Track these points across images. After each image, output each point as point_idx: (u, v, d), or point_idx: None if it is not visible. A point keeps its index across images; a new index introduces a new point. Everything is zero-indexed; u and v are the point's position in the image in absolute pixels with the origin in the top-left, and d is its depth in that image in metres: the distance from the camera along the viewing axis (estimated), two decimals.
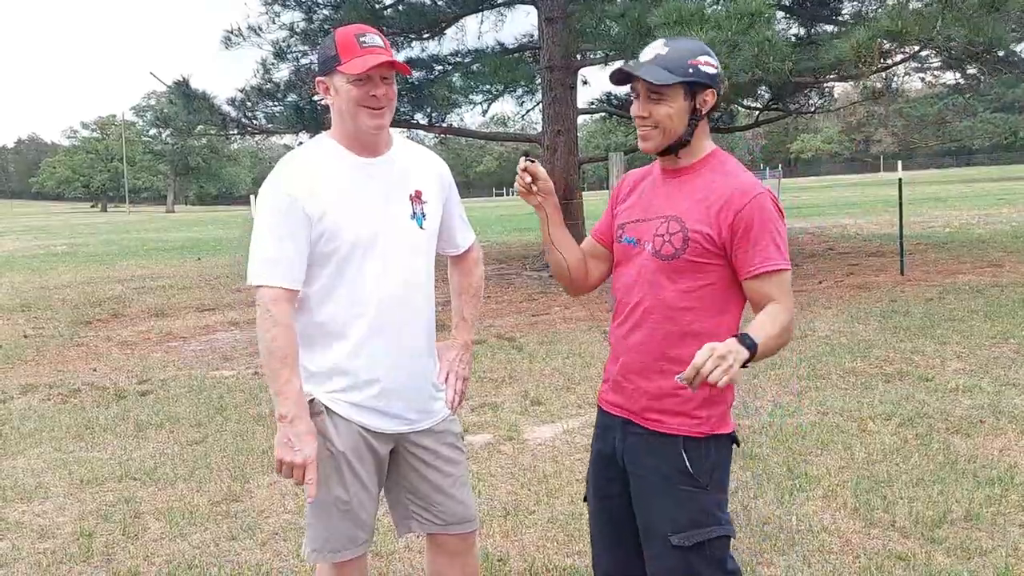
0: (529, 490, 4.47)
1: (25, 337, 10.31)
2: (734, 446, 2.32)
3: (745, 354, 1.99)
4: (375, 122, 2.38)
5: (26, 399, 7.11)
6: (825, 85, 14.49)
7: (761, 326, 2.10)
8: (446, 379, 2.61)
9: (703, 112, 2.22)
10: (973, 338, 7.39)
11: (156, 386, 7.37)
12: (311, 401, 2.41)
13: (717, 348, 1.95)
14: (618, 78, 2.26)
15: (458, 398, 2.63)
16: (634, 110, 2.25)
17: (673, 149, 2.25)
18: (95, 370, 8.24)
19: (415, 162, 2.55)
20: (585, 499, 2.53)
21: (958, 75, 17.78)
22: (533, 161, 2.36)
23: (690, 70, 2.17)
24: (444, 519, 2.59)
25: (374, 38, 2.37)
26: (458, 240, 2.69)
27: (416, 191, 2.49)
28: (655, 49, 2.21)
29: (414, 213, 2.48)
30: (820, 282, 11.45)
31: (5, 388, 7.53)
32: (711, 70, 2.20)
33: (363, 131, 2.39)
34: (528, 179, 2.35)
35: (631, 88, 2.26)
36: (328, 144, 2.46)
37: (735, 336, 2.02)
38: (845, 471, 4.45)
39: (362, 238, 2.38)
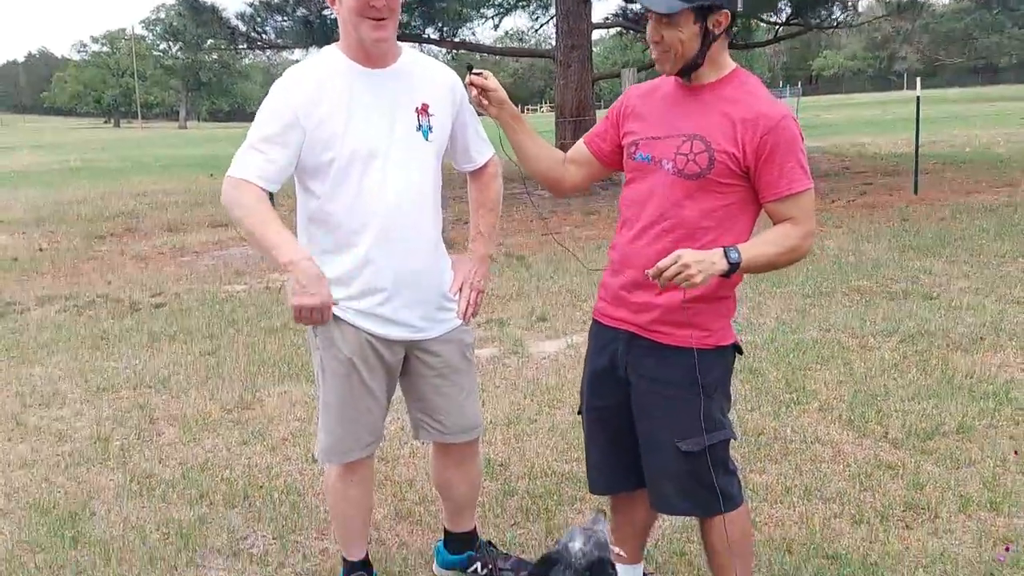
0: (531, 401, 4.58)
1: (40, 250, 10.45)
2: (737, 355, 2.39)
3: (723, 266, 2.06)
4: (377, 34, 2.37)
5: (42, 310, 7.26)
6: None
7: (761, 243, 2.17)
8: (459, 289, 2.66)
9: (716, 33, 2.19)
10: (982, 257, 7.39)
11: (169, 299, 7.50)
12: None
13: (684, 256, 2.04)
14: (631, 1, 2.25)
15: (471, 309, 2.68)
16: (647, 34, 2.25)
17: (686, 72, 2.24)
18: (109, 283, 8.38)
19: (424, 75, 2.54)
20: (579, 412, 2.60)
21: None
22: (479, 73, 2.37)
23: None
24: (450, 428, 2.68)
25: None
26: (474, 155, 2.70)
27: (423, 104, 2.49)
28: None
29: (420, 125, 2.48)
30: (833, 201, 11.39)
31: (22, 299, 7.68)
32: None
33: (366, 42, 2.39)
34: (476, 92, 2.36)
35: (646, 11, 2.23)
36: (334, 55, 2.47)
37: (723, 248, 2.07)
38: (843, 386, 4.52)
39: (362, 149, 2.40)
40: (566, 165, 2.52)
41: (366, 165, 2.41)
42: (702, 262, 2.06)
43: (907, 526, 3.12)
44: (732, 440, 2.40)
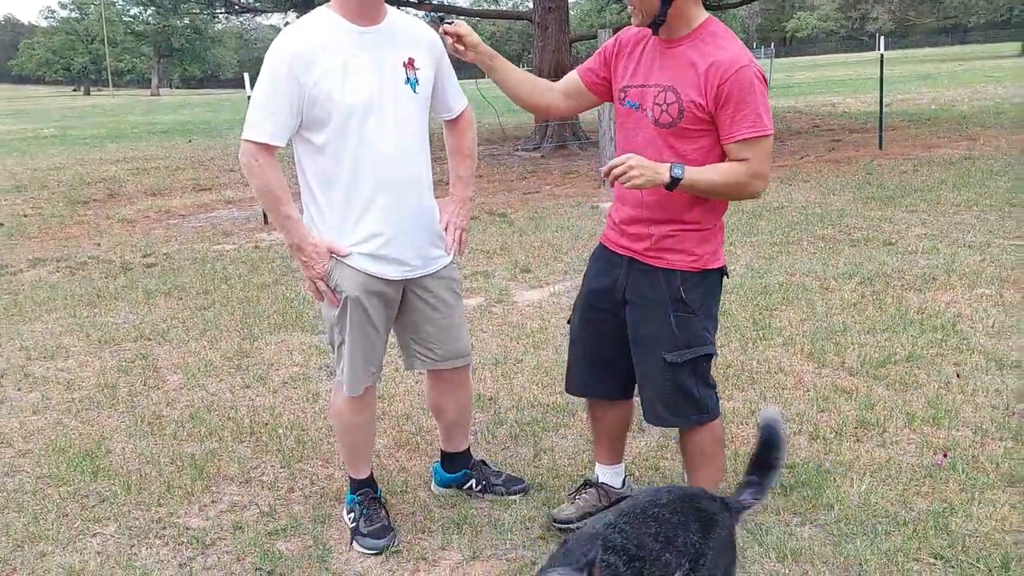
0: (517, 343, 4.88)
1: (25, 216, 10.57)
2: (724, 278, 2.68)
3: (665, 177, 2.37)
4: None
5: (35, 271, 7.45)
6: None
7: (709, 169, 2.44)
8: (445, 228, 2.94)
9: None
10: (939, 207, 7.76)
11: (160, 259, 7.70)
12: None
13: (632, 159, 2.36)
14: None
15: (456, 246, 2.97)
16: None
17: (653, 26, 2.48)
18: (99, 245, 8.56)
19: (408, 32, 2.77)
20: (569, 321, 2.90)
21: None
22: (451, 22, 2.63)
23: None
24: (442, 355, 2.96)
25: None
26: (451, 104, 2.95)
27: (410, 58, 2.73)
28: None
29: (408, 79, 2.72)
30: (801, 157, 11.71)
31: (13, 262, 7.85)
32: None
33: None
34: (451, 40, 2.62)
35: None
36: (328, 15, 2.67)
37: (671, 163, 2.39)
38: (805, 323, 4.85)
39: (359, 103, 2.62)
40: (555, 92, 2.78)
41: (363, 118, 2.63)
42: (647, 168, 2.36)
43: (858, 440, 3.45)
44: (714, 357, 2.68)
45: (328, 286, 2.74)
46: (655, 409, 2.67)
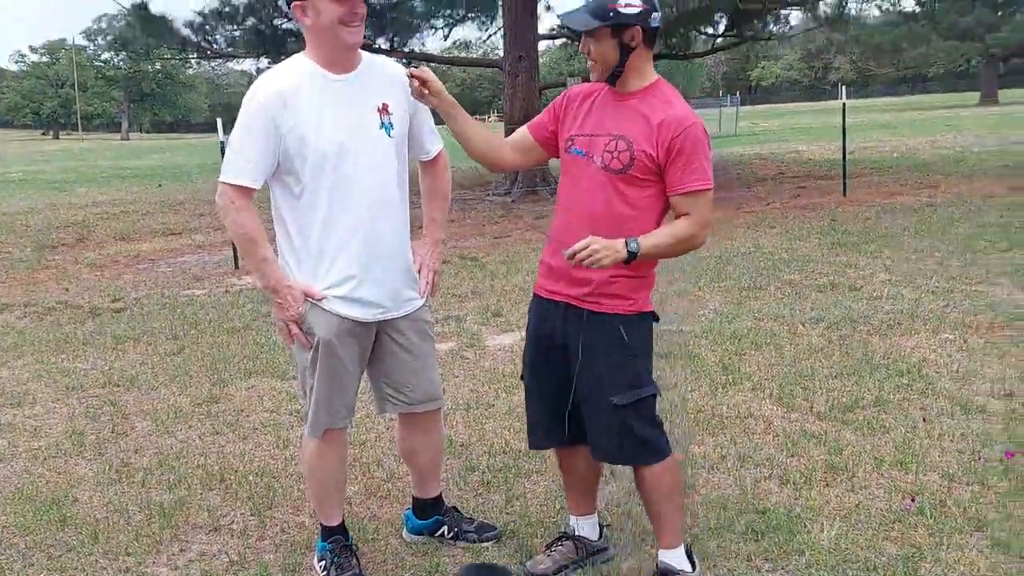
0: (489, 388, 4.89)
1: None
2: (655, 322, 2.75)
3: (623, 255, 2.46)
4: (354, 39, 2.68)
5: (2, 317, 7.35)
6: (780, 12, 14.73)
7: (656, 235, 2.54)
8: (419, 271, 2.97)
9: (632, 46, 2.54)
10: (902, 252, 7.93)
11: (130, 304, 7.64)
12: None
13: (595, 242, 2.42)
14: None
15: (429, 288, 3.00)
16: (580, 47, 2.62)
17: (612, 79, 2.61)
18: (67, 290, 8.48)
19: (382, 77, 2.83)
20: (522, 377, 2.93)
21: (913, 2, 18.06)
22: (417, 66, 2.72)
23: (611, 14, 2.48)
24: (414, 398, 2.97)
25: None
26: (427, 146, 3.01)
27: (383, 104, 2.79)
28: None
29: (382, 123, 2.78)
30: (768, 204, 11.93)
31: None
32: (632, 10, 2.49)
33: (343, 48, 2.69)
34: (416, 83, 2.69)
35: (565, 26, 2.63)
36: (304, 63, 2.74)
37: (625, 238, 2.47)
38: (774, 368, 4.92)
39: (333, 148, 2.67)
40: (506, 147, 2.86)
41: (337, 163, 2.69)
42: (608, 247, 2.44)
43: (827, 484, 3.49)
44: (657, 395, 2.74)
45: (300, 329, 2.76)
46: (603, 448, 2.73)
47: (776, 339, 5.44)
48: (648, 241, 2.50)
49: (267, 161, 2.67)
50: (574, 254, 2.44)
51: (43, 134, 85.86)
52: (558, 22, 18.78)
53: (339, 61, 2.73)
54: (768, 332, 5.61)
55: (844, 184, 12.42)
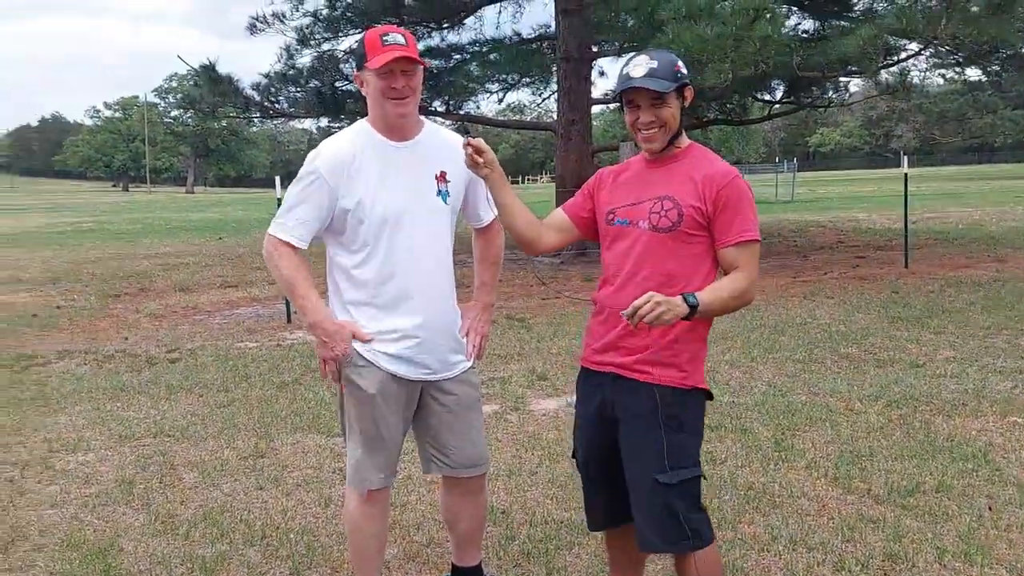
0: (532, 454, 4.81)
1: (58, 308, 10.75)
2: (709, 399, 2.67)
3: (684, 309, 2.40)
4: (398, 111, 2.75)
5: (63, 363, 7.52)
6: (838, 80, 14.68)
7: (713, 289, 2.50)
8: (467, 334, 2.98)
9: (686, 106, 2.61)
10: (968, 329, 7.67)
11: (184, 354, 7.76)
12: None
13: (655, 297, 2.36)
14: (623, 92, 2.58)
15: (476, 351, 3.00)
16: (642, 119, 2.57)
17: (671, 143, 2.61)
18: (126, 339, 8.66)
19: (442, 146, 2.90)
20: (573, 455, 2.86)
21: (980, 71, 17.86)
22: (475, 137, 2.71)
23: (678, 75, 2.55)
24: (458, 462, 2.95)
25: (396, 37, 2.73)
26: (482, 214, 3.05)
27: (441, 172, 2.86)
28: (647, 64, 2.54)
29: (439, 191, 2.85)
30: (825, 273, 11.72)
31: (43, 353, 7.95)
32: (685, 70, 2.60)
33: (390, 118, 2.76)
34: (470, 151, 2.68)
35: (627, 102, 2.60)
36: (364, 129, 2.84)
37: (683, 293, 2.42)
38: (830, 445, 4.76)
39: (391, 212, 2.75)
40: (544, 227, 2.84)
41: (394, 228, 2.76)
42: (670, 303, 2.38)
43: (885, 574, 3.33)
44: (703, 478, 2.64)
45: (338, 369, 2.77)
46: (646, 536, 2.61)
47: (832, 415, 5.28)
48: (707, 296, 2.46)
49: (316, 224, 2.76)
50: (635, 312, 2.37)
51: (113, 186, 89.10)
52: (612, 86, 19.11)
53: (393, 129, 2.80)
54: (824, 407, 5.44)
55: (906, 255, 12.17)
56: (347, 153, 2.75)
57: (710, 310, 2.49)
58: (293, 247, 2.75)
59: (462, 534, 3.12)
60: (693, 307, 2.41)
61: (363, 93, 2.82)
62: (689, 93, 2.60)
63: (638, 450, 2.58)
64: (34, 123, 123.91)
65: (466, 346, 2.97)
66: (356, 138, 2.80)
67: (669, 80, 2.51)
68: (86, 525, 4.02)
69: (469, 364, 2.97)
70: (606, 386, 2.65)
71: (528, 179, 79.36)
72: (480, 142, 2.72)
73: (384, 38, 2.71)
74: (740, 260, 2.53)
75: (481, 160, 2.70)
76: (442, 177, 2.85)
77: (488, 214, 3.05)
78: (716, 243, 2.55)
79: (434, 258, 2.83)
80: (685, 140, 2.65)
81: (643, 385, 2.57)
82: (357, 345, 2.80)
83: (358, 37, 2.96)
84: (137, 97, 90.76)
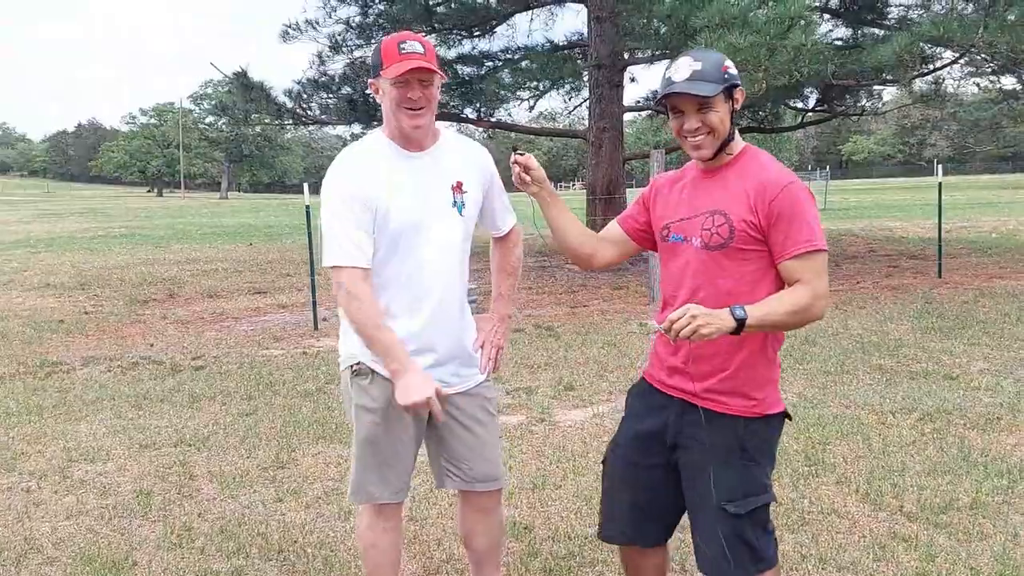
0: (557, 467, 4.73)
1: (86, 313, 10.82)
2: (787, 419, 2.54)
3: (730, 323, 2.23)
4: (413, 122, 2.66)
5: (88, 370, 7.55)
6: (873, 88, 14.47)
7: (767, 302, 2.32)
8: (482, 346, 2.90)
9: (736, 108, 2.44)
10: (1002, 340, 7.48)
11: (209, 362, 7.77)
12: (358, 363, 2.73)
13: (692, 309, 2.22)
14: (665, 98, 2.42)
15: (492, 364, 2.91)
16: (687, 126, 2.42)
17: (720, 150, 2.45)
18: (152, 345, 8.69)
19: (459, 155, 2.82)
20: (603, 461, 2.73)
21: (1014, 80, 17.53)
22: (523, 154, 2.60)
23: (725, 76, 2.38)
24: (473, 476, 2.87)
25: (415, 45, 2.64)
26: (499, 223, 2.97)
27: (458, 182, 2.78)
28: (690, 66, 2.39)
29: (455, 202, 2.76)
30: (858, 283, 11.52)
31: (68, 359, 8.00)
32: (735, 70, 2.42)
33: (404, 129, 2.68)
34: (518, 169, 2.59)
35: (671, 109, 2.44)
36: (380, 139, 2.75)
37: (731, 306, 2.26)
38: (861, 460, 4.63)
39: (407, 223, 2.67)
40: (600, 241, 2.73)
41: (411, 238, 2.68)
42: (711, 315, 2.22)
43: None
44: (773, 503, 2.52)
45: (435, 408, 2.58)
46: (712, 561, 2.49)
47: (864, 429, 5.14)
48: (758, 310, 2.28)
49: (371, 238, 2.63)
50: (671, 325, 2.23)
51: (148, 191, 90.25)
52: (644, 94, 18.93)
53: (408, 139, 2.72)
54: (855, 420, 5.31)
55: (939, 265, 11.93)
56: (365, 163, 2.68)
57: (764, 325, 2.31)
58: (366, 272, 2.62)
59: (479, 552, 3.05)
60: (740, 321, 2.25)
61: (378, 101, 2.75)
62: (740, 94, 2.43)
63: (705, 480, 2.46)
64: (71, 129, 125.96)
65: (481, 359, 2.90)
66: (370, 149, 2.73)
67: (715, 82, 2.36)
68: (101, 538, 3.99)
69: (483, 378, 2.89)
70: (671, 411, 2.54)
71: (560, 186, 79.48)
72: (529, 159, 2.61)
73: (401, 46, 2.63)
74: (802, 273, 2.34)
75: (529, 178, 2.62)
76: (458, 187, 2.77)
77: (506, 223, 2.98)
78: (774, 257, 2.37)
79: (447, 269, 2.75)
80: (739, 144, 2.48)
81: (711, 414, 2.45)
82: (364, 357, 2.73)
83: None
84: (173, 103, 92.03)
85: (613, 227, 2.75)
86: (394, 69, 2.60)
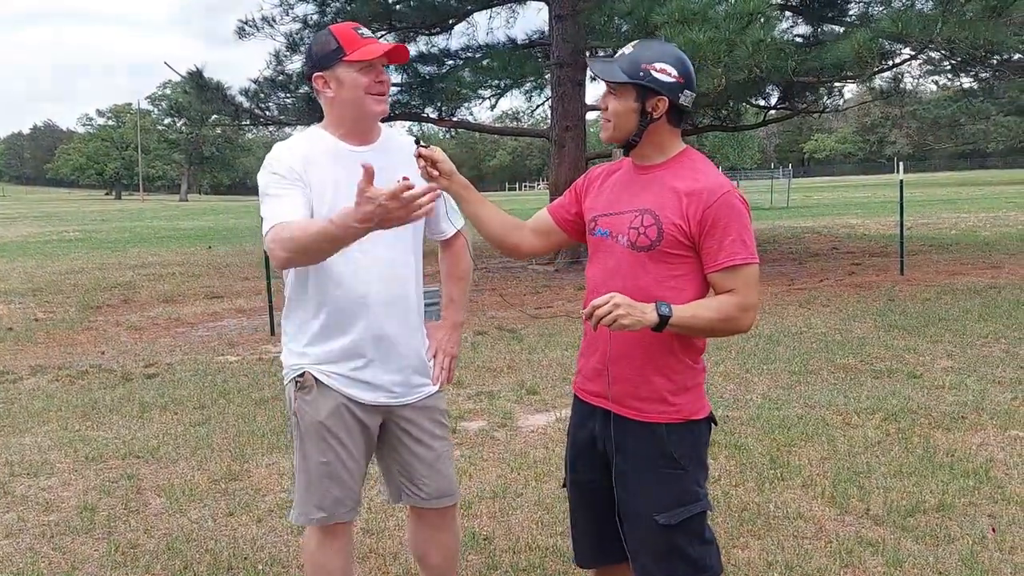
0: (518, 474, 4.60)
1: (36, 320, 10.51)
2: (712, 425, 2.44)
3: (653, 317, 2.16)
4: (380, 107, 2.53)
5: (35, 379, 7.29)
6: (833, 85, 14.55)
7: (694, 305, 2.24)
8: (434, 356, 2.75)
9: (654, 116, 2.30)
10: (965, 337, 7.50)
11: (162, 369, 7.54)
12: (302, 375, 2.57)
13: (616, 298, 2.14)
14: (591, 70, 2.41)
15: (444, 374, 2.78)
16: (602, 103, 2.39)
17: (626, 146, 2.36)
18: (103, 353, 8.43)
19: (401, 150, 2.64)
20: (564, 485, 2.64)
21: (971, 78, 17.77)
22: (427, 146, 2.46)
23: (640, 74, 2.26)
24: (429, 493, 2.73)
25: (366, 31, 2.53)
26: (443, 227, 2.81)
27: (403, 177, 2.61)
28: (625, 49, 2.33)
29: None
30: (821, 281, 11.54)
31: (15, 369, 7.72)
32: (666, 78, 2.27)
33: (368, 118, 2.53)
34: (423, 163, 2.46)
35: (595, 75, 2.40)
36: (321, 134, 2.60)
37: (657, 302, 2.19)
38: (826, 462, 4.56)
39: None
40: (526, 231, 2.63)
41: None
42: (634, 307, 2.15)
43: None
44: (708, 511, 2.44)
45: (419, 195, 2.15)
46: (648, 572, 2.39)
47: (829, 430, 5.08)
48: (684, 311, 2.20)
49: (304, 204, 2.44)
50: (593, 311, 2.15)
51: (106, 194, 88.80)
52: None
53: (360, 132, 2.58)
54: (820, 421, 5.24)
55: (902, 262, 12.00)
56: (304, 154, 2.53)
57: (687, 327, 2.23)
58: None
59: (433, 569, 2.91)
60: (664, 318, 2.17)
61: (323, 94, 2.57)
62: (659, 103, 2.28)
63: (634, 490, 2.37)
64: (26, 131, 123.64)
65: (433, 369, 2.76)
66: (311, 142, 2.58)
67: (626, 73, 2.26)
68: (41, 557, 3.79)
69: (435, 389, 2.75)
70: (597, 419, 2.44)
71: (526, 186, 79.40)
72: (434, 151, 2.48)
73: (359, 31, 2.51)
74: (733, 284, 2.25)
75: (436, 172, 2.49)
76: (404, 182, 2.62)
77: (451, 226, 2.82)
78: (705, 267, 2.28)
79: (395, 271, 2.60)
80: (676, 147, 2.37)
81: (633, 423, 2.35)
82: (309, 367, 2.58)
83: (315, 36, 2.78)
84: (130, 104, 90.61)
85: (543, 215, 2.65)
86: (364, 52, 2.46)
